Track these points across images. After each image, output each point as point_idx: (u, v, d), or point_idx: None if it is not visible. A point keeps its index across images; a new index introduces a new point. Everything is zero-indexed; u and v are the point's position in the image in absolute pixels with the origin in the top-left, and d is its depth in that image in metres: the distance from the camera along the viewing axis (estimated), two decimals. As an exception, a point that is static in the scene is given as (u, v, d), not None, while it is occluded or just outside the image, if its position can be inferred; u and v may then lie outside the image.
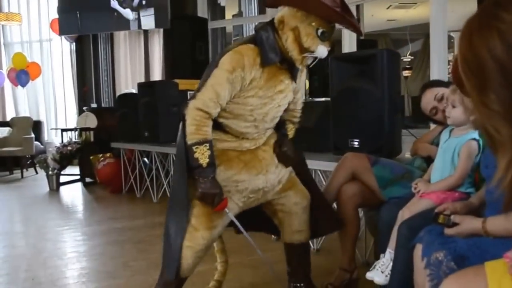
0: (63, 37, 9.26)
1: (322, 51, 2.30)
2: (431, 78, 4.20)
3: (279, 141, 2.57)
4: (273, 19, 2.36)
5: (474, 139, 2.17)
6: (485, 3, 1.13)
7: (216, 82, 2.25)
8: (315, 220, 2.70)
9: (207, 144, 2.25)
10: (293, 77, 2.44)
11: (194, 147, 2.23)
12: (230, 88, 2.26)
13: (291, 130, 2.63)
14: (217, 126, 2.39)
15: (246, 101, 2.34)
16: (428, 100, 2.78)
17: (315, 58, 2.33)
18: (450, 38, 8.89)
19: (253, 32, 2.42)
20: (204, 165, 2.23)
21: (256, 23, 2.12)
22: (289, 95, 2.47)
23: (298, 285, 2.73)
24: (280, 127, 2.59)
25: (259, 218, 2.73)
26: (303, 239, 2.69)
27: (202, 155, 2.23)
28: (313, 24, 2.25)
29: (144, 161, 6.17)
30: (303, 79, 2.61)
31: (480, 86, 1.10)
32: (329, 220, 2.75)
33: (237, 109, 2.36)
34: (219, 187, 2.28)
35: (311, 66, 2.45)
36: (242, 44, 2.33)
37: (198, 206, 2.34)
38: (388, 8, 10.40)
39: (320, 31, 2.26)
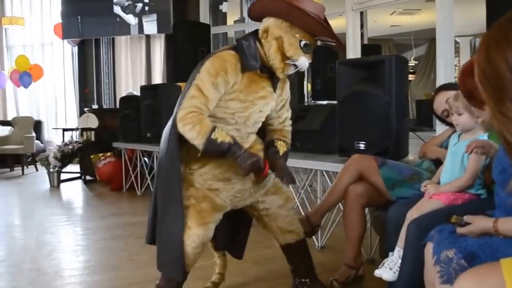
0: (65, 40, 9.40)
1: (303, 62, 2.37)
2: (437, 83, 4.28)
3: (271, 161, 2.51)
4: (256, 30, 2.44)
5: None
6: (503, 18, 1.21)
7: (203, 87, 2.30)
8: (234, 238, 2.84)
9: (217, 128, 2.29)
10: (274, 86, 2.49)
11: (212, 137, 2.25)
12: (215, 92, 2.31)
13: (281, 147, 2.58)
14: None
15: (227, 105, 2.39)
16: (440, 102, 2.81)
17: (296, 68, 2.40)
18: (455, 43, 8.95)
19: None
20: (231, 141, 2.29)
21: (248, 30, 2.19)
22: (271, 103, 2.51)
23: (304, 280, 2.77)
24: (269, 145, 2.58)
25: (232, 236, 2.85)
26: (297, 236, 2.73)
27: (222, 136, 2.28)
28: (297, 35, 2.34)
29: (145, 161, 6.33)
30: (286, 96, 2.63)
31: (497, 96, 1.16)
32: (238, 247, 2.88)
33: (219, 112, 2.40)
34: (255, 154, 2.36)
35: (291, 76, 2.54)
36: (222, 51, 2.40)
37: (189, 207, 2.41)
38: (392, 14, 10.34)
39: (303, 42, 2.35)
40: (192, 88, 2.33)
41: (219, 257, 2.91)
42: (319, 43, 2.49)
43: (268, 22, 2.38)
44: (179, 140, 2.36)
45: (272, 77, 2.47)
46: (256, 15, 2.46)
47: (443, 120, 2.87)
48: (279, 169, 2.48)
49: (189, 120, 2.27)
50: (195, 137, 2.28)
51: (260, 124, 2.57)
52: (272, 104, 2.54)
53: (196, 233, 2.38)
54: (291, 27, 2.34)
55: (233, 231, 2.85)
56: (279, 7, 2.34)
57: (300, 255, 2.77)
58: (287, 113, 2.67)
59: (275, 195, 2.66)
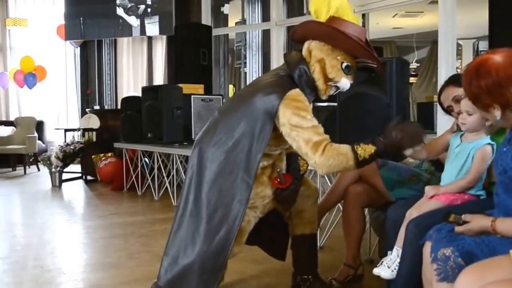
0: (67, 42, 9.46)
1: (345, 83, 2.41)
2: (439, 87, 4.27)
3: (291, 175, 2.56)
4: (301, 49, 2.46)
5: (489, 143, 2.18)
6: None
7: (307, 123, 2.29)
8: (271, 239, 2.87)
9: (355, 146, 2.30)
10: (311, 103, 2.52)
11: (359, 159, 2.26)
12: (312, 120, 2.32)
13: (303, 166, 2.64)
14: None
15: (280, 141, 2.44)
16: (446, 97, 2.76)
17: (337, 89, 2.44)
18: (458, 46, 8.93)
19: (283, 61, 2.53)
20: (374, 152, 2.29)
21: (287, 53, 2.15)
22: None
23: (306, 277, 2.78)
24: (292, 161, 2.63)
25: (265, 234, 2.83)
26: (313, 229, 2.80)
27: (365, 151, 2.28)
28: (339, 58, 2.38)
29: (145, 161, 6.38)
30: None
31: None
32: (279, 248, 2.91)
33: (282, 142, 2.44)
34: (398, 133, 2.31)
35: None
36: (290, 90, 2.34)
37: None
38: (394, 16, 10.34)
39: (344, 64, 2.38)
40: (301, 133, 2.29)
41: None
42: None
43: (311, 45, 2.42)
44: None
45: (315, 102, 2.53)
46: (299, 38, 2.50)
47: (448, 112, 2.81)
48: (289, 191, 2.55)
49: (330, 155, 2.26)
50: (344, 167, 2.28)
51: None
52: None
53: (237, 251, 2.48)
54: (332, 50, 2.38)
55: (273, 232, 2.87)
56: (321, 30, 2.38)
57: (310, 249, 2.81)
58: None
59: (302, 185, 2.70)
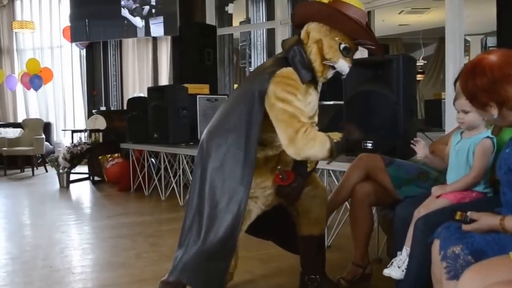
0: (73, 43, 9.49)
1: (343, 65, 2.37)
2: (446, 83, 4.26)
3: (294, 172, 2.51)
4: (297, 37, 2.46)
5: (488, 137, 2.19)
6: None
7: (292, 107, 2.31)
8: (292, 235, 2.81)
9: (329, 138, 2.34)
10: (317, 88, 2.51)
11: (330, 147, 2.32)
12: (300, 103, 2.34)
13: (311, 163, 2.61)
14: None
15: None
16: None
17: (335, 71, 2.41)
18: (465, 42, 8.90)
19: (281, 50, 2.52)
20: (338, 139, 2.37)
21: (283, 39, 2.19)
22: (316, 107, 2.55)
23: (314, 277, 2.77)
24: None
25: (272, 226, 2.84)
26: (322, 230, 2.78)
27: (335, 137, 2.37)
28: (337, 38, 2.35)
29: (152, 161, 6.40)
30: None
31: None
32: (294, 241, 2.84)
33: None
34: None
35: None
36: (281, 69, 2.37)
37: None
38: (400, 13, 10.31)
39: (342, 45, 2.35)
40: (285, 113, 2.30)
41: None
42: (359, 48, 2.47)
43: (310, 26, 2.41)
44: None
45: (315, 80, 2.48)
46: (298, 20, 2.48)
47: None
48: (290, 189, 2.50)
49: (309, 138, 2.29)
50: (319, 153, 2.33)
51: None
52: (316, 107, 2.57)
53: None
54: (330, 30, 2.35)
55: (286, 226, 2.85)
56: (320, 10, 2.37)
57: (318, 249, 2.79)
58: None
59: (309, 185, 2.68)
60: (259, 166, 2.44)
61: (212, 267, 2.39)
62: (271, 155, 2.52)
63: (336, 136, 2.37)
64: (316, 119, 2.56)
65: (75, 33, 8.92)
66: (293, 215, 2.78)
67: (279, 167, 2.48)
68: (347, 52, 2.37)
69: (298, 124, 2.29)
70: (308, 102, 2.45)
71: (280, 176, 2.47)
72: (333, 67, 2.39)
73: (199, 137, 5.58)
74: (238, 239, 2.41)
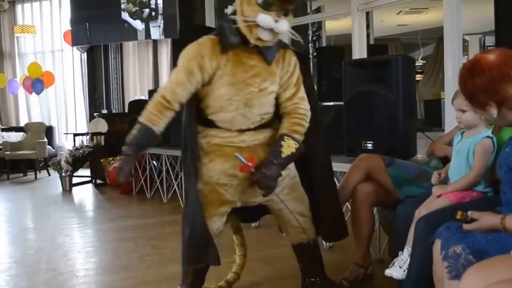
0: (74, 47, 9.52)
1: (264, 19, 2.25)
2: (445, 83, 4.27)
3: (270, 156, 2.41)
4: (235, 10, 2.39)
5: (488, 136, 2.19)
6: None
7: (176, 72, 2.38)
8: (319, 221, 2.72)
9: (138, 125, 2.41)
10: (267, 60, 2.40)
11: (136, 124, 2.41)
12: (188, 76, 2.34)
13: (288, 147, 2.42)
14: (210, 123, 2.46)
15: (219, 92, 2.38)
16: None
17: (271, 30, 2.28)
18: (464, 41, 8.86)
19: None
20: (127, 141, 2.41)
21: None
22: (271, 78, 2.43)
23: (314, 280, 2.76)
24: (277, 142, 2.45)
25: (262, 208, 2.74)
26: (310, 237, 2.71)
27: (133, 131, 2.42)
28: None
29: (154, 164, 6.41)
30: (292, 68, 2.51)
31: None
32: (333, 228, 2.76)
33: (216, 102, 2.40)
34: (130, 165, 2.41)
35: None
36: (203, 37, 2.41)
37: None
38: (398, 13, 10.20)
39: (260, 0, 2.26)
40: (171, 74, 2.42)
41: (239, 257, 2.94)
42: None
43: None
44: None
45: (264, 52, 2.39)
46: None
47: None
48: (260, 175, 2.36)
49: (154, 101, 2.40)
50: (144, 111, 2.42)
51: (270, 108, 2.49)
52: (274, 80, 2.46)
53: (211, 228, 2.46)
54: None
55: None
56: None
57: (311, 255, 2.76)
58: (294, 88, 2.52)
59: (290, 196, 2.62)
60: (225, 154, 2.43)
61: (187, 254, 2.47)
62: (227, 139, 2.45)
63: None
64: (264, 85, 2.42)
65: (76, 37, 8.94)
66: (278, 224, 2.78)
67: (235, 153, 2.38)
68: (267, 5, 2.26)
69: (159, 92, 2.39)
70: (251, 74, 2.38)
71: (241, 164, 2.37)
72: (256, 24, 2.28)
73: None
74: (204, 223, 2.41)
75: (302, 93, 2.54)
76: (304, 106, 2.53)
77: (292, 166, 2.60)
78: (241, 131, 2.45)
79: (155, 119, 2.37)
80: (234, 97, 2.38)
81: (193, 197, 2.44)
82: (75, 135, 8.30)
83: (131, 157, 2.42)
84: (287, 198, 2.61)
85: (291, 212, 2.64)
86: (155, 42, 9.16)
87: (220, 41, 2.36)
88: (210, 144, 2.46)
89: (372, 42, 7.07)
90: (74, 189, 7.37)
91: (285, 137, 2.44)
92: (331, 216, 2.72)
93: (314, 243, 2.75)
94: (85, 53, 9.78)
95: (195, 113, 2.48)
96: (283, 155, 2.39)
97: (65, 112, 10.56)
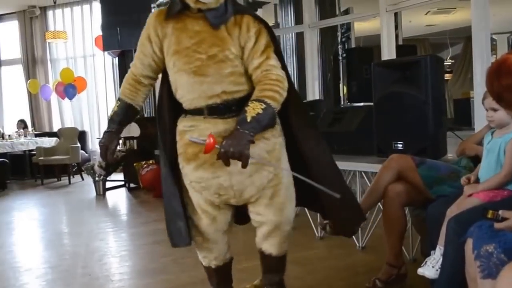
0: (105, 52, 9.67)
1: None
2: (474, 82, 4.25)
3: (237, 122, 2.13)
4: None
5: None
6: None
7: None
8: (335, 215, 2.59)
9: (118, 102, 2.47)
10: (213, 24, 2.21)
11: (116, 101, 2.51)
12: (141, 48, 2.42)
13: (252, 109, 2.11)
14: (185, 111, 2.37)
15: (171, 64, 2.29)
16: None
17: None
18: (492, 40, 8.82)
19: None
20: (109, 117, 2.47)
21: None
22: (220, 44, 2.23)
23: None
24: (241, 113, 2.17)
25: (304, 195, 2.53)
26: (273, 251, 2.50)
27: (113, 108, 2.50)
28: None
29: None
30: (252, 33, 2.26)
31: None
32: (349, 218, 2.60)
33: (172, 77, 2.32)
34: (114, 143, 2.46)
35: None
36: None
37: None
38: (426, 14, 10.26)
39: None
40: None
41: None
42: None
43: None
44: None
45: (208, 15, 2.22)
46: None
47: None
48: (225, 144, 2.05)
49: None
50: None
51: (232, 76, 2.26)
52: (225, 46, 2.23)
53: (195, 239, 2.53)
54: None
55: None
56: None
57: (276, 268, 2.59)
58: (263, 57, 2.25)
59: (268, 207, 2.40)
60: (188, 158, 2.34)
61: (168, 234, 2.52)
62: (191, 127, 2.34)
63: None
64: (212, 51, 2.22)
65: (107, 42, 9.06)
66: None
67: (188, 138, 2.23)
68: None
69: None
70: (196, 40, 2.24)
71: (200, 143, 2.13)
72: None
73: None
74: (171, 206, 2.43)
75: (273, 61, 2.27)
76: (276, 72, 2.24)
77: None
78: (211, 118, 2.27)
79: (130, 93, 2.46)
80: (184, 66, 2.24)
81: (164, 176, 2.46)
82: (107, 139, 8.41)
83: (114, 134, 2.46)
84: (265, 210, 2.41)
85: (263, 221, 2.44)
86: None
87: (166, 11, 2.34)
88: (181, 144, 2.38)
89: (400, 42, 7.03)
90: (108, 193, 7.48)
91: (250, 102, 2.16)
92: (343, 215, 2.55)
93: (283, 257, 2.57)
94: (117, 58, 9.92)
95: (166, 97, 2.46)
96: (248, 119, 2.08)
97: (97, 116, 10.74)
